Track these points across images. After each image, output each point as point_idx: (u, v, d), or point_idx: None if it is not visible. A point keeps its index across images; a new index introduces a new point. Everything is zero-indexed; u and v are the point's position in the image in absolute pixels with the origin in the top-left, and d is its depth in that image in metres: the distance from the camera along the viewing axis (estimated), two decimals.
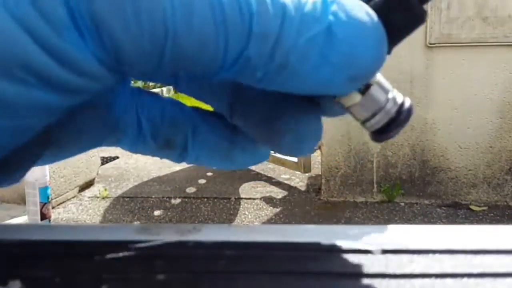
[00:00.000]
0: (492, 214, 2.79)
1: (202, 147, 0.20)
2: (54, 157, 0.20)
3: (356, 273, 0.18)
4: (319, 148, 3.09)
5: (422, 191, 2.98)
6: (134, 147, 0.20)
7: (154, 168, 3.86)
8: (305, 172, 3.35)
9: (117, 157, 4.24)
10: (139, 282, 0.17)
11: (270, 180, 3.47)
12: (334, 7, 0.14)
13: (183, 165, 3.92)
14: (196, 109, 0.21)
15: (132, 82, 0.21)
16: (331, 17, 0.14)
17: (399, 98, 0.17)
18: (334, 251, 0.19)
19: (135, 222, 2.73)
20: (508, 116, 2.85)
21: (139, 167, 3.92)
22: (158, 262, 0.19)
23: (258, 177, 3.56)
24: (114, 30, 0.13)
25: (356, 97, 0.17)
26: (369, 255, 0.19)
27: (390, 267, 0.18)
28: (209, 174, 3.66)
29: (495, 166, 2.90)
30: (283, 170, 3.61)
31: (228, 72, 0.14)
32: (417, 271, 0.18)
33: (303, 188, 3.28)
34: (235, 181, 3.44)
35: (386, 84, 0.17)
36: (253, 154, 0.21)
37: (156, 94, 0.21)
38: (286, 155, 0.19)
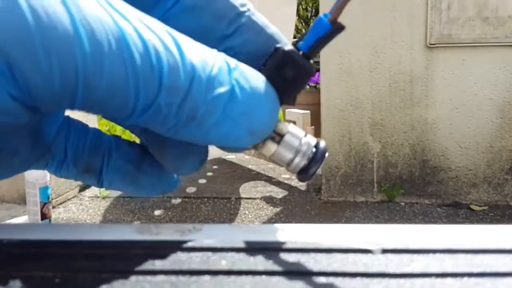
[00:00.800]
0: (492, 214, 2.79)
1: (113, 172, 0.23)
2: None
3: (356, 272, 0.18)
4: None
5: (422, 190, 2.97)
6: (59, 172, 0.23)
7: None
8: None
9: None
10: (139, 282, 0.17)
11: (270, 180, 3.47)
12: (236, 74, 0.17)
13: None
14: (114, 137, 0.23)
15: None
16: (234, 82, 0.17)
17: (313, 141, 0.20)
18: (334, 250, 0.19)
19: (136, 222, 2.72)
20: (508, 116, 2.85)
21: None
22: (158, 261, 0.19)
23: (258, 177, 3.56)
24: (26, 72, 0.14)
25: (273, 147, 0.20)
26: (369, 254, 0.19)
27: (390, 267, 0.18)
28: (210, 174, 3.66)
29: (495, 165, 2.89)
30: (283, 170, 3.61)
31: (139, 118, 0.16)
32: (417, 270, 0.18)
33: (303, 188, 3.28)
34: (235, 181, 3.44)
35: (298, 132, 0.20)
36: (157, 178, 0.23)
37: (83, 124, 0.23)
38: (173, 172, 0.22)
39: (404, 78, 2.91)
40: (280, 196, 3.11)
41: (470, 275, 0.17)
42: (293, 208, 2.91)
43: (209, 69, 0.16)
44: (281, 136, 0.20)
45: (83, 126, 0.23)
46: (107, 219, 2.80)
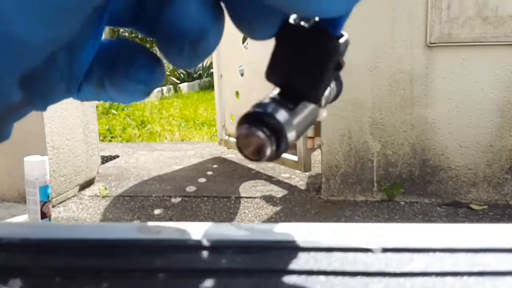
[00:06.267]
0: (492, 213, 2.79)
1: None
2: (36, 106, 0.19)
3: (357, 271, 0.18)
4: (319, 147, 3.09)
5: (422, 190, 2.98)
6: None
7: (155, 167, 3.86)
8: (305, 171, 3.35)
9: (117, 156, 4.24)
10: (140, 280, 0.17)
11: (270, 179, 3.47)
12: None
13: (184, 164, 3.92)
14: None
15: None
16: None
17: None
18: (334, 249, 0.19)
19: (135, 221, 2.72)
20: (508, 115, 2.85)
21: (139, 166, 3.92)
22: (158, 260, 0.19)
23: (258, 176, 3.56)
24: None
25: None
26: (369, 253, 0.19)
27: (390, 266, 0.18)
28: (209, 173, 3.66)
29: (495, 165, 2.89)
30: (283, 169, 3.61)
31: None
32: (417, 269, 0.18)
33: (303, 187, 3.28)
34: (235, 180, 3.44)
35: None
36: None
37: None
38: (249, 33, 0.18)
39: (404, 77, 2.90)
40: (280, 195, 3.11)
41: (470, 274, 0.17)
42: (293, 207, 2.91)
43: None
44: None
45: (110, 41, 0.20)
46: (107, 218, 2.80)
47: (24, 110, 0.18)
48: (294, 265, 0.18)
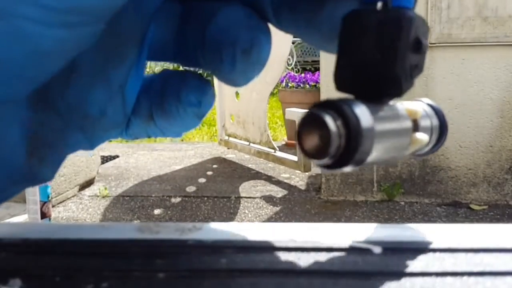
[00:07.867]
0: (492, 213, 2.79)
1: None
2: (84, 144, 0.19)
3: (356, 271, 0.18)
4: None
5: (422, 190, 2.98)
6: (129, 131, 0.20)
7: (154, 167, 3.86)
8: (305, 171, 3.35)
9: (117, 156, 4.24)
10: (139, 280, 0.17)
11: (270, 179, 3.46)
12: None
13: (184, 164, 3.91)
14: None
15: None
16: None
17: (429, 107, 0.19)
18: (334, 249, 0.19)
19: (135, 221, 2.72)
20: (508, 115, 2.85)
21: (139, 166, 3.92)
22: (158, 260, 0.19)
23: (258, 176, 3.56)
24: None
25: (423, 136, 0.18)
26: (369, 253, 0.19)
27: (390, 266, 0.18)
28: (209, 173, 3.66)
29: (495, 165, 2.89)
30: (283, 169, 3.60)
31: None
32: (417, 269, 0.18)
33: (303, 187, 3.28)
34: (235, 180, 3.44)
35: (414, 106, 0.18)
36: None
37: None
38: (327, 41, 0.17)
39: None
40: (279, 195, 3.11)
41: (470, 274, 0.17)
42: (293, 207, 2.91)
43: None
44: (414, 120, 0.17)
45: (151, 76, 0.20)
46: (107, 218, 2.80)
47: (68, 148, 0.19)
48: (294, 265, 0.18)
